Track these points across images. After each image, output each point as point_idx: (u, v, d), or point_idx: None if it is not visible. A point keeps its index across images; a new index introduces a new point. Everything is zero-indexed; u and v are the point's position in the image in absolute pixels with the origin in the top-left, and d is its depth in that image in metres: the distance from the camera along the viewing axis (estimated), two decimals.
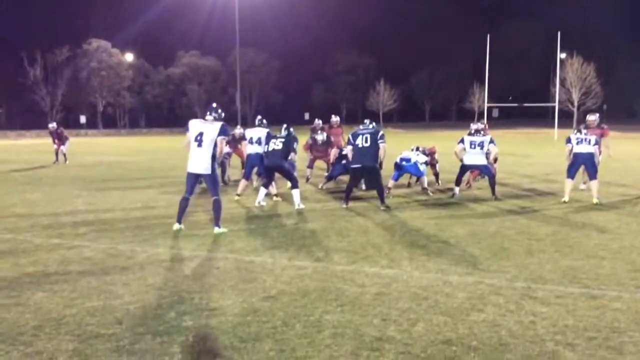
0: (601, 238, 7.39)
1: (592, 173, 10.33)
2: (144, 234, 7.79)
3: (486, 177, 11.42)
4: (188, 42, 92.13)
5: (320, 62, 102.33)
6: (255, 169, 11.81)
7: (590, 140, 10.39)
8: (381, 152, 10.01)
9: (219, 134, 7.67)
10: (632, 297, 4.96)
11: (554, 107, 48.96)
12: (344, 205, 9.98)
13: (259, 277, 5.61)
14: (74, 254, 6.65)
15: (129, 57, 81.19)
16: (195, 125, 7.81)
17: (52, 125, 21.61)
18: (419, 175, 11.90)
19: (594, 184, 10.33)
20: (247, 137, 11.47)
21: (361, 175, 10.45)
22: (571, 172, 10.48)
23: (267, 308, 4.71)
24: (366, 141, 9.90)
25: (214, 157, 7.68)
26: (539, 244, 7.04)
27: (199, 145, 7.65)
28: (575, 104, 62.22)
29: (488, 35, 45.20)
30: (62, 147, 21.13)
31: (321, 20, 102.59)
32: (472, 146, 11.05)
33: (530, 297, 4.96)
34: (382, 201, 9.82)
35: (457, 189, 11.18)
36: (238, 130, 15.27)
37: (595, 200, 10.15)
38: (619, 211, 9.48)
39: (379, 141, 9.91)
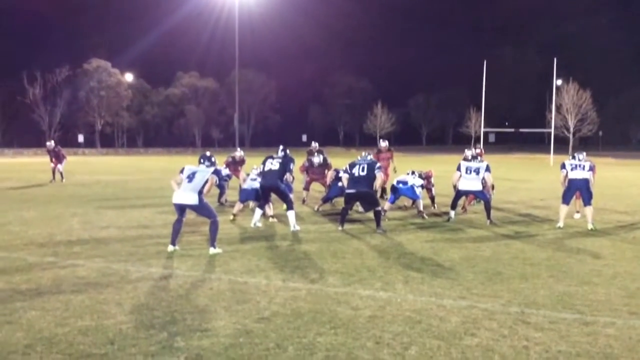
0: (595, 264, 7.40)
1: (587, 199, 10.35)
2: (138, 253, 7.78)
3: (482, 202, 11.47)
4: (187, 63, 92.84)
5: (318, 85, 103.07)
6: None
7: (584, 166, 10.44)
8: (378, 182, 10.42)
9: (212, 173, 8.12)
10: (626, 324, 4.96)
11: (549, 133, 49.25)
12: (340, 228, 10.01)
13: (253, 299, 5.60)
14: (67, 272, 6.63)
15: (129, 77, 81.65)
16: (189, 168, 8.17)
17: (50, 143, 21.58)
18: (414, 199, 11.95)
19: (588, 210, 10.35)
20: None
21: (355, 199, 10.49)
22: (566, 198, 10.51)
23: (260, 330, 4.70)
24: (362, 170, 10.13)
25: (201, 192, 7.90)
26: (533, 269, 7.05)
27: (190, 181, 7.94)
28: (571, 130, 62.55)
29: (485, 61, 45.62)
30: (59, 166, 21.10)
31: (320, 43, 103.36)
32: (468, 172, 11.13)
33: (524, 322, 4.95)
34: (378, 224, 9.83)
35: (452, 213, 11.21)
36: (238, 153, 15.33)
37: (590, 226, 10.17)
38: (613, 237, 9.50)
39: (376, 171, 10.22)
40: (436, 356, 4.17)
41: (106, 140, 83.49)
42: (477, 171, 11.10)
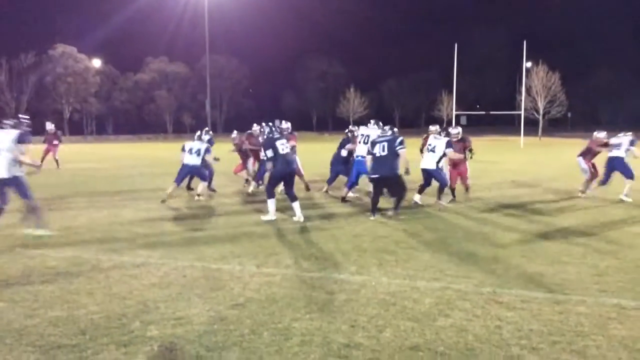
0: (565, 243, 7.53)
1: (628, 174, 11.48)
2: (109, 242, 7.65)
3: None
4: (156, 48, 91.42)
5: (290, 69, 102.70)
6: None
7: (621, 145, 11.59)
8: (401, 160, 9.37)
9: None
10: (596, 301, 5.06)
11: (520, 115, 49.89)
12: (372, 217, 9.47)
13: (227, 285, 5.56)
14: (37, 262, 6.49)
15: (97, 62, 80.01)
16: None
17: (51, 127, 18.85)
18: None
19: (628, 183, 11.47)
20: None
21: (383, 185, 9.69)
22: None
23: (235, 316, 4.67)
24: (383, 150, 9.38)
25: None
26: (505, 250, 7.14)
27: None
28: (541, 112, 63.48)
29: (455, 44, 45.86)
30: (54, 152, 19.15)
31: (291, 27, 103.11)
32: (428, 149, 10.91)
33: (496, 302, 5.02)
34: (396, 207, 9.58)
35: (417, 197, 11.03)
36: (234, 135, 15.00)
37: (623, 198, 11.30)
38: (584, 217, 9.67)
39: (398, 148, 9.34)
40: (410, 337, 4.20)
41: (75, 127, 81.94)
42: (434, 149, 10.71)
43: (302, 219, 9.20)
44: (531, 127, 60.30)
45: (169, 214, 9.84)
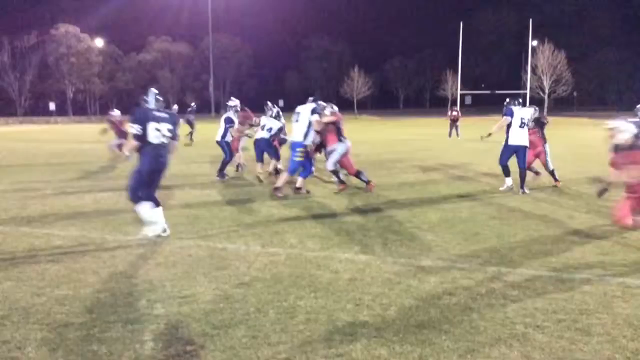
0: (570, 222, 7.52)
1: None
2: (114, 221, 7.68)
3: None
4: (159, 28, 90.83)
5: (294, 48, 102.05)
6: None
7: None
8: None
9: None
10: (601, 280, 5.06)
11: (525, 94, 49.60)
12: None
13: (232, 264, 5.58)
14: (42, 242, 6.52)
15: (99, 42, 79.62)
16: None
17: (115, 113, 17.34)
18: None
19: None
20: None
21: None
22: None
23: (240, 295, 4.69)
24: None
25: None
26: (509, 229, 7.14)
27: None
28: (546, 91, 63.09)
29: (461, 23, 45.44)
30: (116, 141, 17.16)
31: (295, 6, 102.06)
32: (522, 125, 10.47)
33: (501, 281, 5.02)
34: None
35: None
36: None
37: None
38: (588, 196, 9.65)
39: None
40: (415, 316, 4.22)
41: (78, 108, 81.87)
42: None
43: (166, 233, 6.76)
44: (537, 106, 59.98)
45: (173, 194, 9.85)
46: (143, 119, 6.44)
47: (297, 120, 9.93)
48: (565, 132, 32.44)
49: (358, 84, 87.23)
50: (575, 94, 72.98)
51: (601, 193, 7.20)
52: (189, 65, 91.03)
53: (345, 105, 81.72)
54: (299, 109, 10.01)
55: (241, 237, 6.76)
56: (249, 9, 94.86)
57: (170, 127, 6.62)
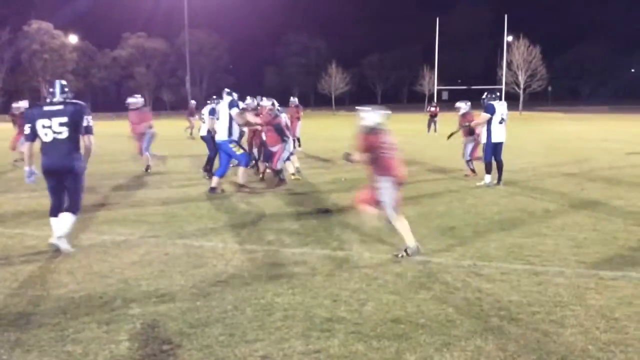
0: (545, 216, 7.63)
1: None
2: (89, 220, 7.58)
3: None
4: (134, 23, 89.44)
5: (271, 45, 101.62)
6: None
7: None
8: None
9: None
10: (574, 272, 5.14)
11: (500, 89, 50.11)
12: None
13: (209, 262, 5.55)
14: (15, 242, 6.42)
15: (73, 39, 78.27)
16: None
17: (138, 100, 15.58)
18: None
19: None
20: None
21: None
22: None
23: (217, 293, 4.66)
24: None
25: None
26: (484, 223, 7.21)
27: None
28: (522, 86, 63.73)
29: (437, 19, 45.71)
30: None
31: (272, 1, 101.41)
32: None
33: (477, 275, 5.08)
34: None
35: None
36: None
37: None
38: (561, 190, 9.79)
39: None
40: (392, 310, 4.24)
41: None
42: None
43: (69, 250, 5.95)
44: (512, 101, 60.60)
45: (149, 193, 9.76)
46: (31, 117, 5.88)
47: (217, 119, 9.85)
48: (540, 126, 32.87)
49: (336, 80, 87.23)
50: (549, 88, 73.87)
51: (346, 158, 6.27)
52: (165, 62, 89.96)
53: (324, 102, 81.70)
54: (218, 107, 10.09)
55: (218, 234, 6.73)
56: (226, 4, 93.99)
57: (64, 120, 5.79)
